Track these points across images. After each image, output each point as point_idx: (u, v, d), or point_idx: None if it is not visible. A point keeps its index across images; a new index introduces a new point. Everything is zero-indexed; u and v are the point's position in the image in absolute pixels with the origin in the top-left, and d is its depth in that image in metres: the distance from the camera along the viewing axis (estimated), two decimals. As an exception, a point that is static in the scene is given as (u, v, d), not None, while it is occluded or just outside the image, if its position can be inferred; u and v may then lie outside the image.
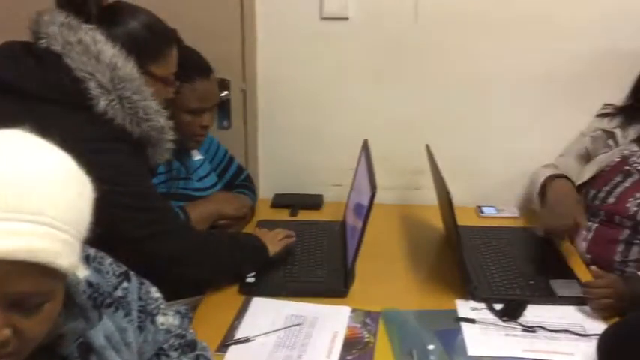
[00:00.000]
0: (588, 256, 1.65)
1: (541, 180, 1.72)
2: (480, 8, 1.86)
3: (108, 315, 0.86)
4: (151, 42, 1.29)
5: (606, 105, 1.79)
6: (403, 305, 1.43)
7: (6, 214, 0.62)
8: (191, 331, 1.08)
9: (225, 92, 1.97)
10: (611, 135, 1.72)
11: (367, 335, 1.32)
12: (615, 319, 1.29)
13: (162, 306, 1.01)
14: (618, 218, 1.62)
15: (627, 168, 1.67)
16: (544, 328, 1.34)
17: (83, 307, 0.80)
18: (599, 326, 1.32)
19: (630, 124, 1.68)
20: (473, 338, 1.31)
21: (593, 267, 1.47)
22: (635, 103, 1.67)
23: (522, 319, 1.38)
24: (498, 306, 1.42)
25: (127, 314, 0.90)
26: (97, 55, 1.19)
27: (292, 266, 1.60)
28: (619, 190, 1.65)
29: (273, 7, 1.91)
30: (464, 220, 1.72)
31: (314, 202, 2.04)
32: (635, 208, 1.58)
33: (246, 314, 1.39)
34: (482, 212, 1.99)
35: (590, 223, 1.63)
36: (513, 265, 1.62)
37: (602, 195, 1.67)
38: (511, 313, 1.39)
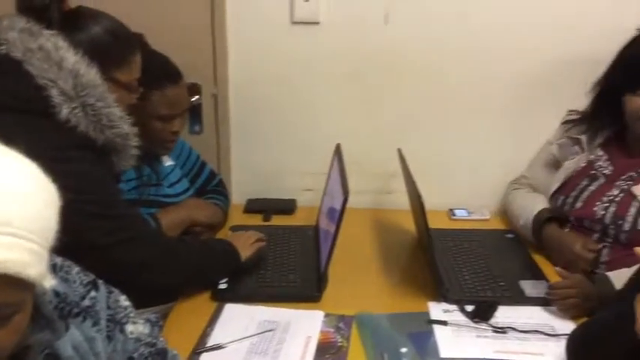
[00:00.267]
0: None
1: (530, 221, 1.72)
2: (449, 14, 1.88)
3: (75, 325, 0.85)
4: (114, 48, 1.28)
5: (570, 111, 1.83)
6: (376, 309, 1.44)
7: None
8: (161, 339, 1.06)
9: (197, 97, 1.96)
10: (576, 141, 1.75)
11: (340, 340, 1.32)
12: (584, 319, 1.31)
13: (131, 314, 0.99)
14: (588, 222, 1.64)
15: (593, 172, 1.70)
16: (514, 329, 1.35)
17: (49, 318, 0.78)
18: (568, 326, 1.34)
19: (594, 130, 1.71)
20: (445, 340, 1.32)
21: (557, 268, 1.49)
22: (597, 108, 1.70)
23: (493, 321, 1.39)
24: (470, 308, 1.43)
25: (96, 324, 0.89)
26: (59, 61, 1.17)
27: (265, 272, 1.59)
28: (586, 194, 1.67)
29: (244, 12, 1.91)
30: (436, 222, 1.74)
31: (287, 207, 2.04)
32: (603, 212, 1.61)
33: (219, 321, 1.38)
34: (454, 215, 2.01)
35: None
36: (484, 266, 1.64)
37: (570, 200, 1.70)
38: (482, 314, 1.41)
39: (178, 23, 1.89)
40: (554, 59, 1.89)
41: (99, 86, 1.21)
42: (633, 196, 1.57)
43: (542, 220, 1.69)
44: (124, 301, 0.99)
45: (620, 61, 1.62)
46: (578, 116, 1.78)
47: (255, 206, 2.04)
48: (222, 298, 1.46)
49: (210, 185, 1.85)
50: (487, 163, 2.03)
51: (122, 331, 0.96)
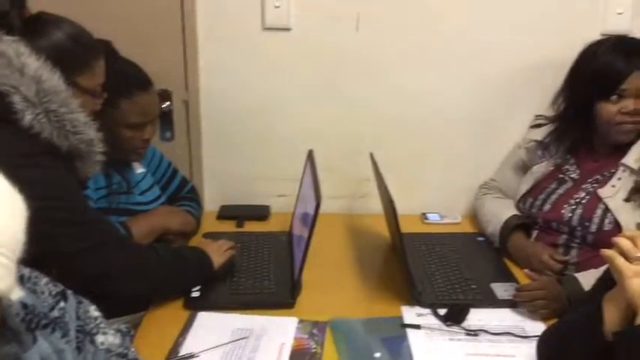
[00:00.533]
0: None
1: (497, 230, 1.74)
2: (419, 21, 1.90)
3: (44, 337, 0.84)
4: (76, 53, 1.26)
5: (538, 116, 1.86)
6: (350, 314, 1.44)
7: None
8: (133, 350, 1.05)
9: (167, 103, 1.94)
10: (544, 145, 1.78)
11: (314, 346, 1.32)
12: (555, 321, 1.33)
13: (101, 325, 0.98)
14: (555, 224, 1.67)
15: (561, 176, 1.73)
16: (486, 332, 1.37)
17: (16, 331, 0.77)
18: (539, 328, 1.36)
19: (561, 134, 1.75)
20: (418, 344, 1.33)
21: (527, 270, 1.52)
22: (564, 114, 1.74)
23: (466, 323, 1.40)
24: (443, 311, 1.44)
25: (65, 335, 0.88)
26: (20, 68, 1.15)
27: (238, 279, 1.58)
28: (554, 197, 1.71)
29: (215, 18, 1.90)
30: (409, 227, 1.75)
31: (260, 213, 2.03)
32: (570, 214, 1.64)
33: (191, 330, 1.36)
34: (426, 219, 2.03)
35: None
36: (456, 269, 1.65)
37: (538, 203, 1.73)
38: (455, 317, 1.42)
39: (148, 29, 1.87)
40: (522, 64, 1.93)
41: (62, 92, 1.19)
42: (599, 199, 1.61)
43: (509, 229, 1.72)
44: (94, 311, 0.98)
45: (587, 70, 1.64)
46: (545, 121, 1.82)
47: (228, 213, 2.03)
48: (195, 307, 1.45)
49: (182, 192, 1.83)
50: (458, 167, 2.05)
51: (92, 342, 0.95)
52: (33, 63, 1.17)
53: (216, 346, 1.30)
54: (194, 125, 2.00)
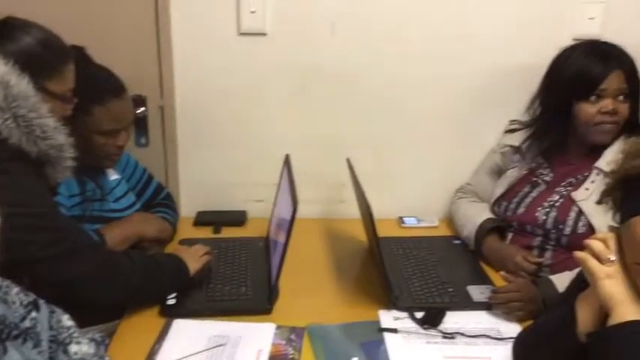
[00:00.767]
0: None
1: (472, 234, 1.76)
2: (393, 27, 1.91)
3: (15, 347, 0.82)
4: (45, 58, 1.25)
5: (512, 121, 1.88)
6: (328, 319, 1.44)
7: None
8: (107, 359, 1.04)
9: (142, 109, 1.93)
10: (518, 150, 1.80)
11: (292, 352, 1.31)
12: (530, 322, 1.34)
13: (75, 334, 0.97)
14: (530, 227, 1.69)
15: (534, 179, 1.76)
16: (463, 334, 1.38)
17: (-15, 342, 0.75)
18: (514, 330, 1.37)
19: (535, 138, 1.77)
20: (395, 348, 1.34)
21: (501, 272, 1.54)
22: (539, 118, 1.76)
23: (442, 326, 1.41)
24: (420, 314, 1.45)
25: (37, 345, 0.86)
26: None
27: (215, 285, 1.57)
28: (528, 200, 1.73)
29: (190, 23, 1.89)
30: (386, 231, 1.76)
31: (237, 219, 2.02)
32: (544, 217, 1.66)
33: (167, 337, 1.35)
34: (403, 222, 2.04)
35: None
36: (433, 273, 1.66)
37: (512, 206, 1.75)
38: (431, 320, 1.43)
39: (122, 34, 1.86)
40: (497, 69, 1.95)
41: (31, 97, 1.18)
42: (573, 202, 1.63)
43: (484, 232, 1.74)
44: (67, 320, 0.96)
45: (565, 73, 1.66)
46: (520, 126, 1.84)
47: (205, 219, 2.01)
48: (171, 314, 1.44)
49: (158, 199, 1.82)
50: (434, 172, 2.06)
51: (66, 351, 0.93)
52: (1, 67, 1.15)
53: (193, 354, 1.29)
54: (169, 131, 1.98)
